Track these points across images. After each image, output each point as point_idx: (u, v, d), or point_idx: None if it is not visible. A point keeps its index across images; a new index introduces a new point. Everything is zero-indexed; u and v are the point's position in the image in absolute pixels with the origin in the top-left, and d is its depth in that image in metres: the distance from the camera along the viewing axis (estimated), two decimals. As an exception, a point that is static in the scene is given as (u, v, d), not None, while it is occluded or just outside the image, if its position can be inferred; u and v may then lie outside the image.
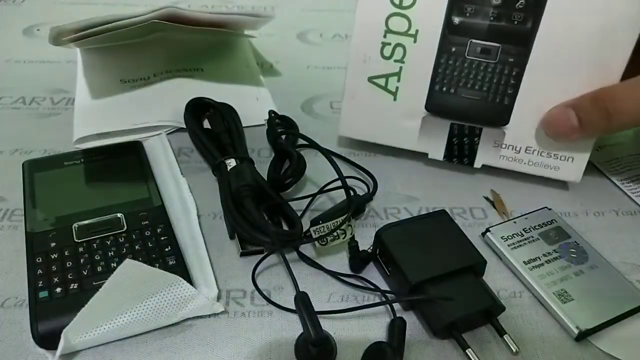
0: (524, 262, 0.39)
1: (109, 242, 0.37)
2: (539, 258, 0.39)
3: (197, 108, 0.49)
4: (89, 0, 0.73)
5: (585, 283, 0.38)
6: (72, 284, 0.34)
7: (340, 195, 0.42)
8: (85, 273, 0.35)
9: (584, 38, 0.40)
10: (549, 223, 0.42)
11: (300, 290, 0.35)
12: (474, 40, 0.43)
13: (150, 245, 0.37)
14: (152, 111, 0.52)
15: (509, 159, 0.46)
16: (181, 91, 0.52)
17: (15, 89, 0.56)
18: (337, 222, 0.38)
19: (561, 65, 0.42)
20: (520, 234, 0.41)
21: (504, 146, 0.45)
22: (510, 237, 0.41)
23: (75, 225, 0.38)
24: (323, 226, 0.38)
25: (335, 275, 0.38)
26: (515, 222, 0.42)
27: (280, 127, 0.51)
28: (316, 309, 0.34)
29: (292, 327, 0.35)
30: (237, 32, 0.62)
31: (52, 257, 0.36)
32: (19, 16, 0.70)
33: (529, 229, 0.41)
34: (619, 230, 0.43)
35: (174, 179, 0.45)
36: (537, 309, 0.37)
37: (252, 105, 0.55)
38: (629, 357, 0.34)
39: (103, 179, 0.43)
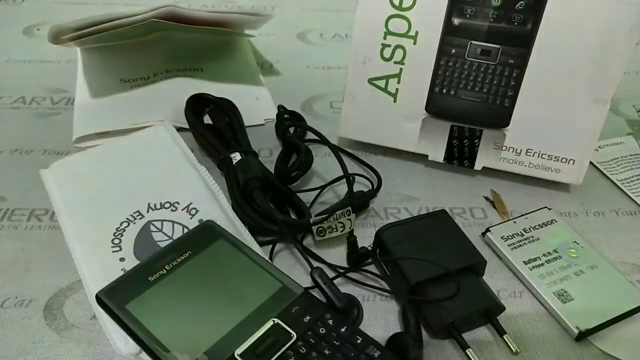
0: (524, 262, 0.39)
1: (293, 359, 0.30)
2: (539, 258, 0.39)
3: (197, 104, 0.50)
4: (89, 0, 0.73)
5: (585, 283, 0.38)
6: None
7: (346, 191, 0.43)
8: None
9: (584, 39, 0.41)
10: (549, 223, 0.42)
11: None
12: (473, 42, 0.43)
13: (337, 343, 0.30)
14: (152, 110, 0.52)
15: (509, 161, 0.46)
16: (181, 91, 0.52)
17: (15, 89, 0.56)
18: (336, 215, 0.38)
19: (562, 67, 0.42)
20: (520, 233, 0.41)
21: (504, 148, 0.46)
22: (510, 237, 0.41)
23: (237, 352, 0.30)
24: (322, 218, 0.38)
25: (336, 270, 0.38)
26: (515, 222, 0.42)
27: (289, 121, 0.51)
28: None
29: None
30: (237, 32, 0.62)
31: None
32: (19, 16, 0.70)
33: (529, 228, 0.42)
34: (619, 230, 0.43)
35: (193, 166, 0.43)
36: (537, 309, 0.37)
37: (252, 104, 0.55)
38: (629, 357, 0.34)
39: (212, 285, 0.33)
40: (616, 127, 0.55)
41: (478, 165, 0.47)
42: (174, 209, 0.40)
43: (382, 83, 0.46)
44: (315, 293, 0.34)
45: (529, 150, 0.45)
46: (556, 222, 0.42)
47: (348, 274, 0.38)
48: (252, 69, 0.61)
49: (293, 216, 0.42)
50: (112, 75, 0.56)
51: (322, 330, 0.31)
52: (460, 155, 0.47)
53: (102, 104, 0.53)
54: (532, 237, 0.41)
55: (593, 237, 0.42)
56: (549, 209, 0.43)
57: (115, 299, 0.32)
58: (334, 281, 0.35)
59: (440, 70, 0.44)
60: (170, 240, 0.38)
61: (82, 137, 0.49)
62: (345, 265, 0.39)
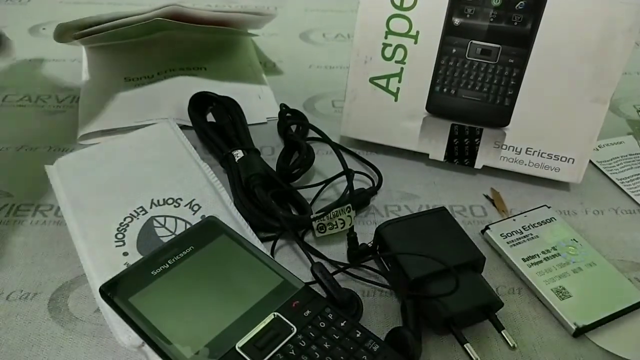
0: (523, 259, 0.39)
1: (293, 352, 0.30)
2: (538, 255, 0.40)
3: (201, 102, 0.50)
4: (94, 0, 0.74)
5: (584, 280, 0.38)
6: None
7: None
8: None
9: (583, 39, 0.41)
10: (549, 221, 0.42)
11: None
12: (474, 42, 0.43)
13: (337, 337, 0.31)
14: (156, 109, 0.52)
15: (509, 160, 0.46)
16: (184, 89, 0.53)
17: (21, 87, 0.56)
18: (336, 211, 0.39)
19: (561, 66, 0.42)
20: (519, 231, 0.42)
21: (504, 147, 0.46)
22: (509, 235, 0.41)
23: (238, 345, 0.30)
24: (322, 214, 0.39)
25: (337, 266, 0.39)
26: (514, 220, 0.42)
27: (291, 120, 0.52)
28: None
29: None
30: (240, 31, 0.63)
31: None
32: (25, 15, 0.70)
33: (529, 226, 0.42)
34: (618, 229, 0.44)
35: (196, 163, 0.44)
36: (535, 305, 0.37)
37: (255, 103, 0.55)
38: (626, 354, 0.34)
39: (214, 279, 0.34)
40: (617, 127, 0.55)
41: (478, 164, 0.47)
42: (177, 205, 0.40)
43: (383, 82, 0.46)
44: (316, 288, 0.35)
45: (528, 149, 0.45)
46: (555, 220, 0.43)
47: (348, 270, 0.39)
48: (255, 68, 0.61)
49: (294, 212, 0.43)
50: (116, 73, 0.57)
51: (322, 324, 0.31)
52: (461, 153, 0.47)
53: (107, 102, 0.53)
54: (531, 234, 0.41)
55: (592, 235, 0.43)
56: (549, 207, 0.44)
57: (119, 292, 0.32)
58: (334, 277, 0.36)
59: (440, 69, 0.45)
60: (173, 236, 0.38)
61: (87, 135, 0.49)
62: (345, 261, 0.40)
